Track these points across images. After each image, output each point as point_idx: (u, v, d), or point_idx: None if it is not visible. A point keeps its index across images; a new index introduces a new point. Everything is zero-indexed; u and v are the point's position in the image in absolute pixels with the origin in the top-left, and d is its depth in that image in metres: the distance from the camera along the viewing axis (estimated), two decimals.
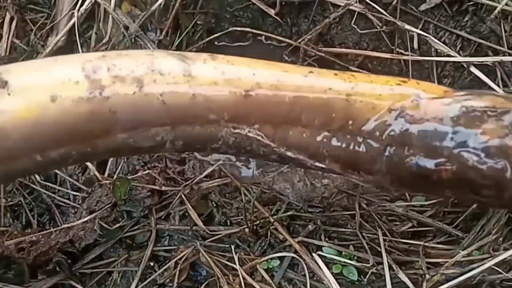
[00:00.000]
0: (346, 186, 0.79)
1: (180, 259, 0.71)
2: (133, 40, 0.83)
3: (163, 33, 0.86)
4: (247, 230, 0.73)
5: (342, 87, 0.46)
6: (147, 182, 0.77)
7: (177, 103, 0.43)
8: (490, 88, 0.78)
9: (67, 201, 0.79)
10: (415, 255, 0.70)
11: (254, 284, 0.68)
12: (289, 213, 0.74)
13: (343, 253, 0.70)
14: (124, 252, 0.75)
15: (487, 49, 0.82)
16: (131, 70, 0.42)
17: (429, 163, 0.42)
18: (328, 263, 0.69)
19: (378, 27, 0.85)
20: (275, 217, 0.73)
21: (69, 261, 0.73)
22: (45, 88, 0.40)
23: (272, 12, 0.90)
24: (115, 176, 0.79)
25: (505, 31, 0.79)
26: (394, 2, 0.84)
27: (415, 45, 0.84)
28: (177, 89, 0.43)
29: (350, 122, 0.45)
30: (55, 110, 0.39)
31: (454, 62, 0.82)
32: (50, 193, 0.80)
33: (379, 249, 0.70)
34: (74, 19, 0.86)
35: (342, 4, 0.85)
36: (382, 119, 0.44)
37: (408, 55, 0.84)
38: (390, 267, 0.67)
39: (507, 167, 0.40)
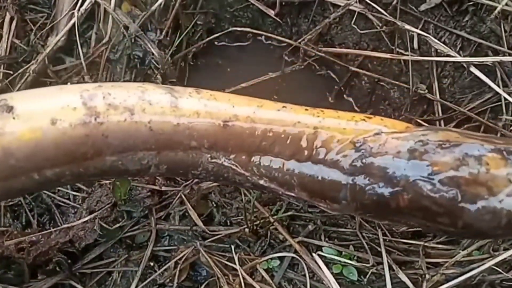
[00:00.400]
0: None
1: (180, 259, 0.72)
2: (133, 40, 0.83)
3: (163, 33, 0.86)
4: (247, 230, 0.73)
5: (310, 121, 0.51)
6: (147, 182, 0.77)
7: (162, 130, 0.48)
8: (490, 88, 0.78)
9: (67, 201, 0.79)
10: (415, 255, 0.71)
11: (254, 284, 0.68)
12: (289, 213, 0.74)
13: (343, 253, 0.70)
14: (124, 252, 0.76)
15: (487, 49, 0.82)
16: (124, 99, 0.47)
17: (387, 192, 0.46)
18: (328, 263, 0.69)
19: (378, 27, 0.85)
20: (275, 217, 0.73)
21: (69, 261, 0.73)
22: (46, 112, 0.44)
23: (271, 12, 0.90)
24: None
25: (505, 31, 0.79)
26: (394, 2, 0.84)
27: (415, 45, 0.84)
28: (163, 118, 0.48)
29: (317, 152, 0.49)
30: (55, 133, 0.43)
31: (454, 62, 0.82)
32: (50, 193, 0.80)
33: (379, 249, 0.70)
34: (74, 19, 0.86)
35: (342, 4, 0.85)
36: (345, 151, 0.48)
37: (408, 55, 0.84)
38: (390, 267, 0.68)
39: (458, 195, 0.43)
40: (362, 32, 0.88)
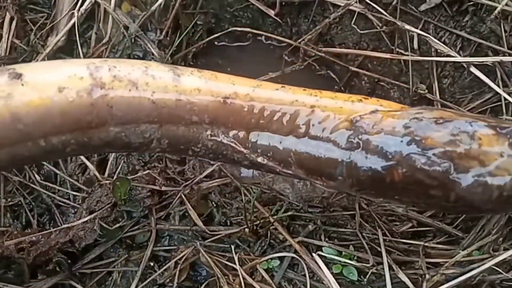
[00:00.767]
0: None
1: (180, 259, 0.71)
2: (133, 40, 0.83)
3: (163, 33, 0.86)
4: (247, 230, 0.73)
5: (308, 100, 0.53)
6: (147, 182, 0.77)
7: (164, 104, 0.49)
8: (490, 88, 0.78)
9: (67, 201, 0.79)
10: (415, 255, 0.71)
11: (254, 284, 0.68)
12: (289, 213, 0.74)
13: (343, 253, 0.70)
14: (124, 252, 0.76)
15: (487, 49, 0.82)
16: (128, 72, 0.49)
17: (383, 167, 0.47)
18: (328, 263, 0.69)
19: (378, 27, 0.85)
20: (275, 217, 0.73)
21: (69, 261, 0.73)
22: (54, 81, 0.45)
23: (271, 12, 0.90)
24: (115, 176, 0.79)
25: (505, 31, 0.79)
26: (394, 2, 0.84)
27: (415, 45, 0.84)
28: (165, 92, 0.49)
29: (313, 129, 0.50)
30: (62, 100, 0.45)
31: (454, 62, 0.82)
32: (50, 193, 0.80)
33: (379, 249, 0.70)
34: (74, 19, 0.86)
35: (342, 4, 0.85)
36: (342, 128, 0.49)
37: (408, 55, 0.84)
38: (390, 267, 0.68)
39: (451, 168, 0.44)
40: (362, 32, 0.88)
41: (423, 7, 0.85)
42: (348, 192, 0.65)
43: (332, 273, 0.68)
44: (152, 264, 0.74)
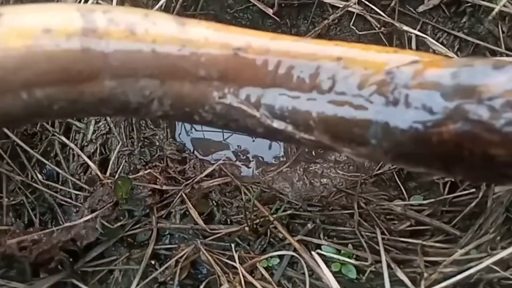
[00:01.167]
0: (344, 185, 0.80)
1: (181, 257, 0.72)
2: None
3: None
4: (247, 228, 0.73)
5: (333, 52, 0.43)
6: (148, 181, 0.77)
7: (167, 54, 0.42)
8: None
9: (69, 200, 0.80)
10: (413, 254, 0.71)
11: (254, 282, 0.68)
12: (289, 212, 0.74)
13: (342, 251, 0.71)
14: (126, 250, 0.76)
15: (484, 50, 0.82)
16: (126, 16, 0.42)
17: (427, 124, 0.38)
18: (327, 261, 0.69)
19: (377, 28, 0.86)
20: (274, 216, 0.73)
21: (71, 259, 0.73)
22: (39, 20, 0.39)
23: (270, 11, 0.90)
24: (116, 176, 0.80)
25: (503, 32, 0.80)
26: (392, 4, 0.85)
27: (413, 46, 0.84)
28: (168, 39, 0.42)
29: (340, 85, 0.41)
30: (47, 43, 0.38)
31: None
32: (52, 192, 0.81)
33: (377, 247, 0.70)
34: None
35: (341, 6, 0.85)
36: (375, 81, 0.40)
37: None
38: (388, 266, 0.68)
39: None
40: (360, 33, 0.88)
41: (421, 8, 0.86)
42: (382, 161, 0.55)
43: (331, 271, 0.68)
44: (153, 262, 0.74)
